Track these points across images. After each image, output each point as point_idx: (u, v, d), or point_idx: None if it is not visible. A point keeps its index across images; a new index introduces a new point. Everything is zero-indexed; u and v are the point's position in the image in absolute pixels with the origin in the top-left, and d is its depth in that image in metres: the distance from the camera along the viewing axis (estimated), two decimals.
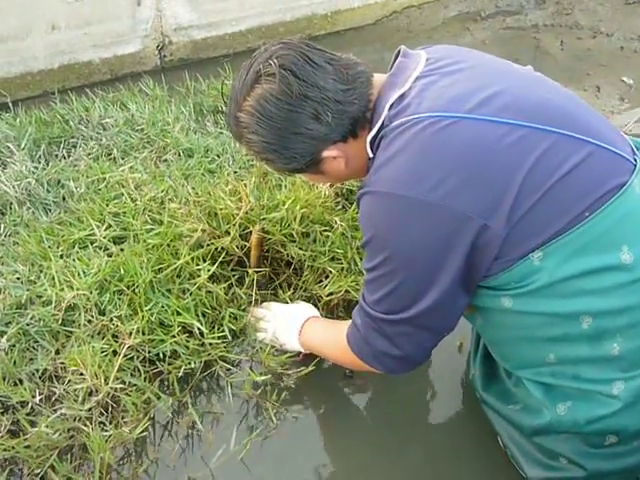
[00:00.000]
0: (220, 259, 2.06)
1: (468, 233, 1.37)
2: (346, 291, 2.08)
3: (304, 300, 2.09)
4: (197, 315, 1.96)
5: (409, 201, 1.39)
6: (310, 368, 1.95)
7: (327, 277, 2.12)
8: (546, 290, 1.40)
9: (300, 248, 2.12)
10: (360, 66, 1.57)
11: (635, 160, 1.45)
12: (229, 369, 1.96)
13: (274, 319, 1.99)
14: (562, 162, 1.37)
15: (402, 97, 1.49)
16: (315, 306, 2.03)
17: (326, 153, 1.57)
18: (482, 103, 1.41)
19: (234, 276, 2.12)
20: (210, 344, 1.94)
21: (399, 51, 1.63)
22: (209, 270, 2.02)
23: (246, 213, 2.13)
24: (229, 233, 2.11)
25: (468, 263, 1.41)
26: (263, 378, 1.93)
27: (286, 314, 1.98)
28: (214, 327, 1.99)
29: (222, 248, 2.10)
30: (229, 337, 1.97)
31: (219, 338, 1.95)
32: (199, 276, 2.01)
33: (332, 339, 1.80)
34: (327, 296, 2.08)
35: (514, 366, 1.63)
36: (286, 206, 2.15)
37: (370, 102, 1.55)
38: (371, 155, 1.56)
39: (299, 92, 1.48)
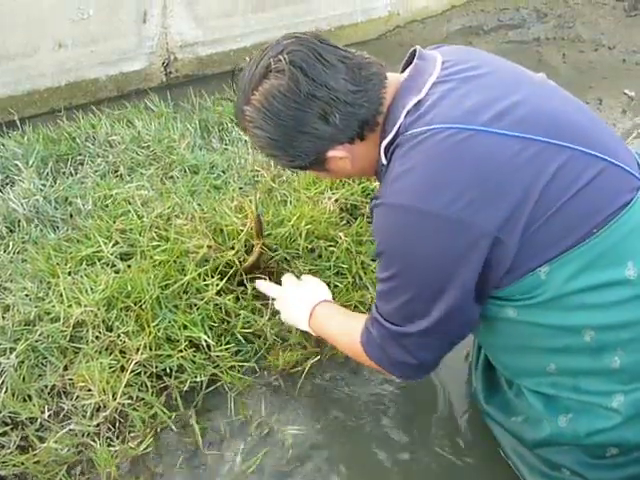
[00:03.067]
0: (229, 274, 2.08)
1: (483, 247, 1.38)
2: (355, 306, 2.10)
3: None
4: (203, 327, 1.98)
5: (426, 214, 1.39)
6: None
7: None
8: (551, 303, 1.41)
9: (305, 264, 2.14)
10: (374, 66, 1.54)
11: None
12: (233, 383, 1.97)
13: (285, 299, 1.99)
14: (576, 179, 1.38)
15: (419, 104, 1.47)
16: None
17: (332, 153, 1.55)
18: (499, 115, 1.41)
19: (239, 289, 2.14)
20: (217, 356, 1.96)
21: (414, 51, 1.61)
22: (217, 285, 2.04)
23: (251, 229, 2.15)
24: (234, 248, 2.14)
25: (481, 276, 1.42)
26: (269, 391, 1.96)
27: (297, 296, 1.96)
28: (221, 340, 2.01)
29: (227, 263, 2.12)
30: (242, 340, 2.02)
31: (226, 350, 1.98)
32: (206, 291, 2.03)
33: (345, 338, 1.77)
34: None
35: (514, 374, 1.65)
36: (291, 222, 2.17)
37: (382, 105, 1.52)
38: (385, 162, 1.54)
39: (307, 91, 1.45)
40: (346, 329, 1.76)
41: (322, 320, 1.87)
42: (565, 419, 1.53)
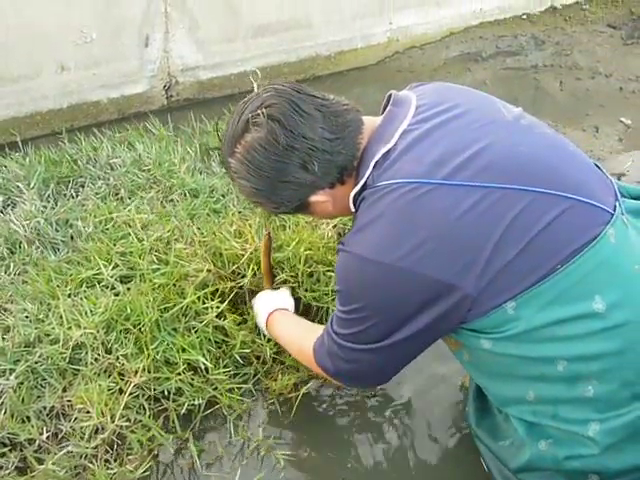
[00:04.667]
0: (229, 298, 2.12)
1: (439, 295, 1.44)
2: None
3: None
4: (202, 350, 2.00)
5: (383, 266, 1.46)
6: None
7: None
8: (523, 336, 1.45)
9: (306, 289, 2.17)
10: (350, 113, 1.60)
11: (615, 208, 1.50)
12: (231, 406, 1.99)
13: (254, 306, 2.09)
14: (537, 220, 1.43)
15: (387, 153, 1.53)
16: None
17: (313, 198, 1.62)
18: (462, 165, 1.46)
19: (240, 310, 2.18)
20: (215, 379, 1.98)
21: (390, 96, 1.67)
22: (218, 307, 2.07)
23: (251, 253, 2.17)
24: (234, 273, 2.16)
25: (439, 319, 1.48)
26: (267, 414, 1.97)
27: (261, 303, 2.07)
28: (219, 362, 2.03)
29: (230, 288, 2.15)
30: (240, 362, 2.05)
31: (224, 373, 2.00)
32: (205, 314, 2.05)
33: (297, 344, 1.87)
34: None
35: (499, 402, 1.68)
36: (291, 247, 2.19)
37: (358, 151, 1.59)
38: (353, 209, 1.62)
39: (286, 143, 1.52)
40: (299, 336, 1.87)
41: (277, 326, 1.99)
42: (545, 444, 1.55)
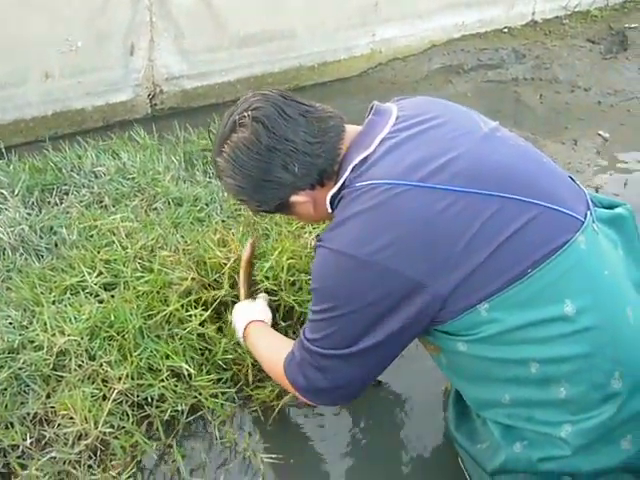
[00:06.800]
0: (212, 306, 2.14)
1: (409, 292, 1.48)
2: None
3: None
4: (185, 357, 2.02)
5: (356, 260, 1.51)
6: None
7: None
8: (497, 338, 1.50)
9: (288, 296, 2.19)
10: (333, 120, 1.68)
11: (586, 216, 1.55)
12: (214, 411, 2.01)
13: (233, 314, 2.08)
14: (506, 225, 1.48)
15: (366, 159, 1.59)
16: None
17: (294, 198, 1.69)
18: (436, 170, 1.52)
19: (222, 319, 2.19)
20: (199, 385, 2.00)
21: (372, 107, 1.73)
22: (201, 315, 2.09)
23: (234, 262, 2.19)
24: (217, 281, 2.18)
25: (407, 322, 1.52)
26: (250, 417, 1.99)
27: (239, 312, 2.06)
28: (202, 369, 2.05)
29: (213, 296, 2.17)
30: (223, 366, 2.06)
31: (208, 380, 2.01)
32: (189, 322, 2.07)
33: (270, 358, 1.86)
34: None
35: (476, 406, 1.71)
36: (274, 256, 2.22)
37: (338, 156, 1.66)
38: (330, 211, 1.68)
39: (268, 144, 1.61)
40: (273, 350, 1.87)
41: (253, 338, 1.98)
42: (520, 446, 1.59)
